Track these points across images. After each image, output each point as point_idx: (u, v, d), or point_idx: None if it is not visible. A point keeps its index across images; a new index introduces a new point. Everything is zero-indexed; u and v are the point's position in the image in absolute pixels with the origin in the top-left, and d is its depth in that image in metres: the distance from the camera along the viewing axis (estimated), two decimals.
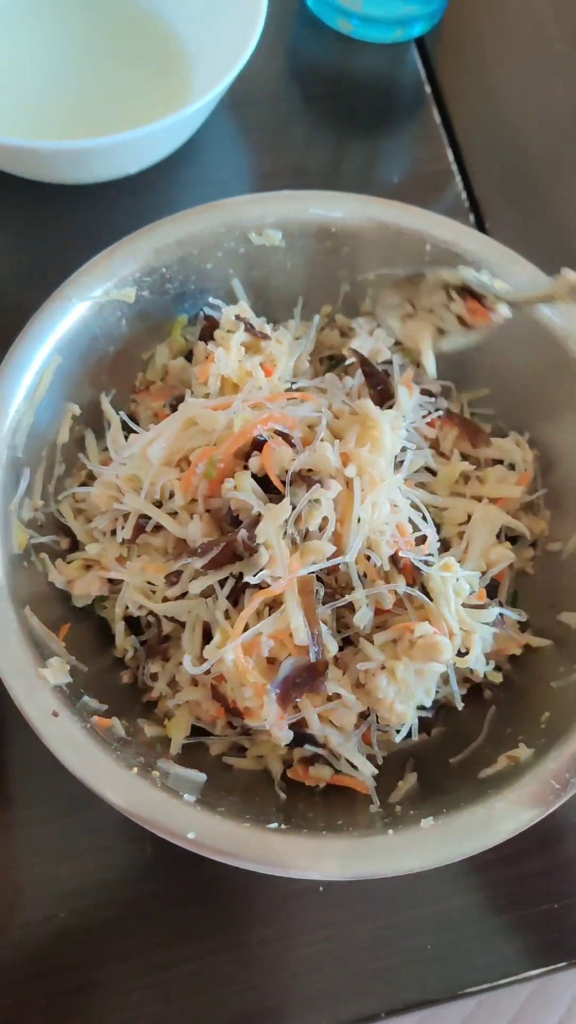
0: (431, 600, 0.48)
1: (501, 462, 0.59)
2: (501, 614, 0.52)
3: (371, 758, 0.50)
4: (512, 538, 0.58)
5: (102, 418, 0.58)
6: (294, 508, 0.46)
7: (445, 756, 0.52)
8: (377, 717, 0.49)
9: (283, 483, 0.47)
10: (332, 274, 0.61)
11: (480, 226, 0.77)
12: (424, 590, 0.48)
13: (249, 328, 0.57)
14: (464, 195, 0.79)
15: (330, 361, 0.61)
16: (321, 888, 0.55)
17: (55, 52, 0.76)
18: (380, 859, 0.42)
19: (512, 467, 0.59)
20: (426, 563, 0.48)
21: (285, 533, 0.46)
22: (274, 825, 0.44)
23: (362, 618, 0.48)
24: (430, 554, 0.49)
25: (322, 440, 0.48)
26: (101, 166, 0.68)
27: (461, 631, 0.48)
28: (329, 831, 0.44)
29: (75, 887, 0.54)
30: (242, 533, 0.45)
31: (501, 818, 0.43)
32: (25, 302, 0.56)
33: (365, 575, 0.48)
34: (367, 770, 0.49)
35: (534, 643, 0.54)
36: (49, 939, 0.53)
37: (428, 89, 0.83)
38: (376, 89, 0.83)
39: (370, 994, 0.53)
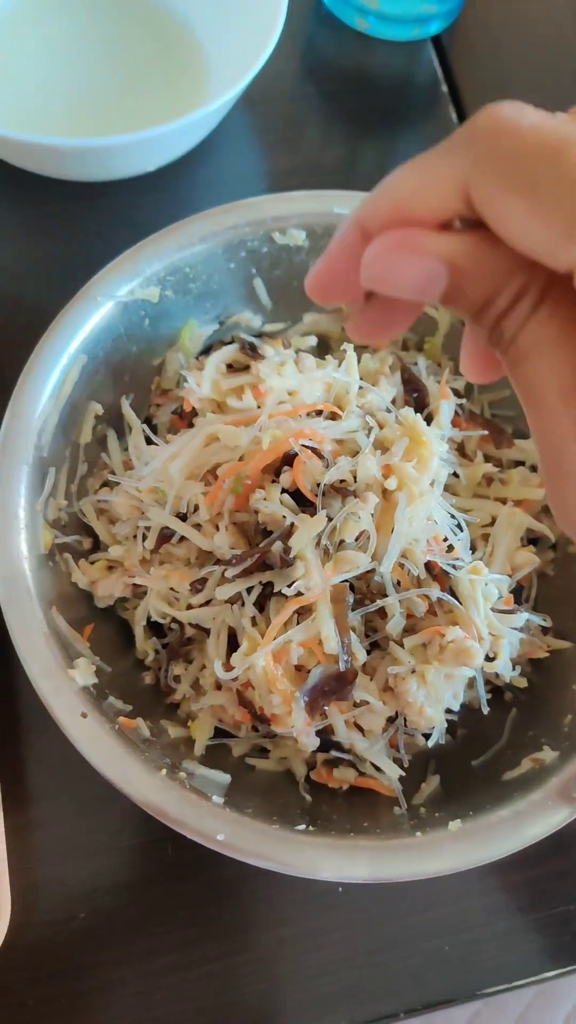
0: (460, 604, 0.48)
1: (523, 463, 0.59)
2: (528, 619, 0.52)
3: (397, 761, 0.50)
4: (531, 540, 0.58)
5: (123, 418, 0.58)
6: (329, 520, 0.46)
7: (466, 758, 0.52)
8: (405, 720, 0.49)
9: (315, 494, 0.47)
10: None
11: None
12: (453, 594, 0.48)
13: (245, 348, 0.57)
14: None
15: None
16: (340, 888, 0.55)
17: (73, 51, 0.75)
18: (410, 862, 0.42)
19: (534, 469, 0.59)
20: (454, 567, 0.48)
21: (319, 543, 0.46)
22: (302, 827, 0.44)
23: (396, 626, 0.48)
24: (459, 559, 0.49)
25: (367, 453, 0.48)
26: (120, 164, 0.68)
27: (490, 636, 0.48)
28: (356, 833, 0.44)
29: (95, 887, 0.54)
30: (277, 545, 0.45)
31: (529, 820, 0.43)
32: (45, 299, 0.55)
33: (399, 582, 0.48)
34: (393, 773, 0.49)
35: (555, 645, 0.54)
36: (69, 939, 0.53)
37: (445, 88, 0.83)
38: (392, 87, 0.83)
39: (389, 995, 0.54)
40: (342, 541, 0.46)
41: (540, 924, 0.56)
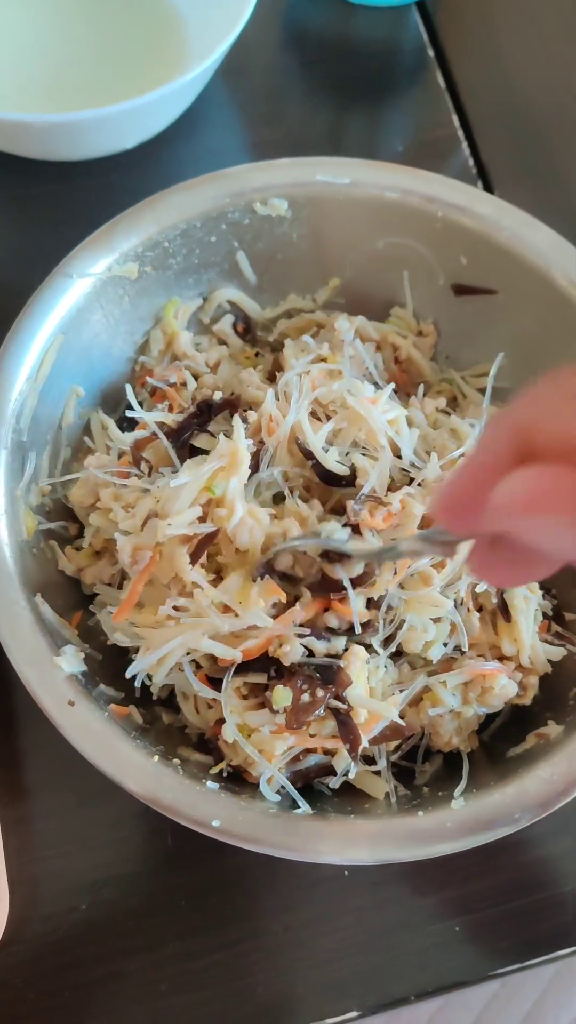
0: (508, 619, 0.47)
1: None
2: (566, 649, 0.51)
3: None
4: None
5: (109, 400, 0.56)
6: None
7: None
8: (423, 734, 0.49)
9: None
10: (340, 245, 0.59)
11: (489, 192, 0.75)
12: (503, 607, 0.48)
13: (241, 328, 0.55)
14: (471, 161, 0.77)
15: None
16: (346, 872, 0.54)
17: (46, 24, 0.74)
18: (411, 843, 0.41)
19: None
20: None
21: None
22: (300, 810, 0.43)
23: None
24: None
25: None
26: (97, 140, 0.66)
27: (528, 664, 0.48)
28: (357, 814, 0.43)
29: (96, 879, 0.53)
30: (331, 701, 0.43)
31: (534, 796, 0.42)
32: (24, 283, 0.54)
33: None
34: (379, 792, 0.47)
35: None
36: (71, 931, 0.52)
37: (431, 52, 0.81)
38: (377, 54, 0.81)
39: (398, 978, 0.53)
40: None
41: (551, 903, 0.55)
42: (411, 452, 0.50)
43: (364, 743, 0.45)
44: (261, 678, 0.44)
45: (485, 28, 0.83)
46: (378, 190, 0.56)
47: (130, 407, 0.54)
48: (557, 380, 0.22)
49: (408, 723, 0.48)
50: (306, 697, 0.42)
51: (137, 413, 0.50)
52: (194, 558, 0.44)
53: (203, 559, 0.45)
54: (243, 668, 0.44)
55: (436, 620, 0.47)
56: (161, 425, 0.49)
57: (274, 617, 0.44)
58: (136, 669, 0.45)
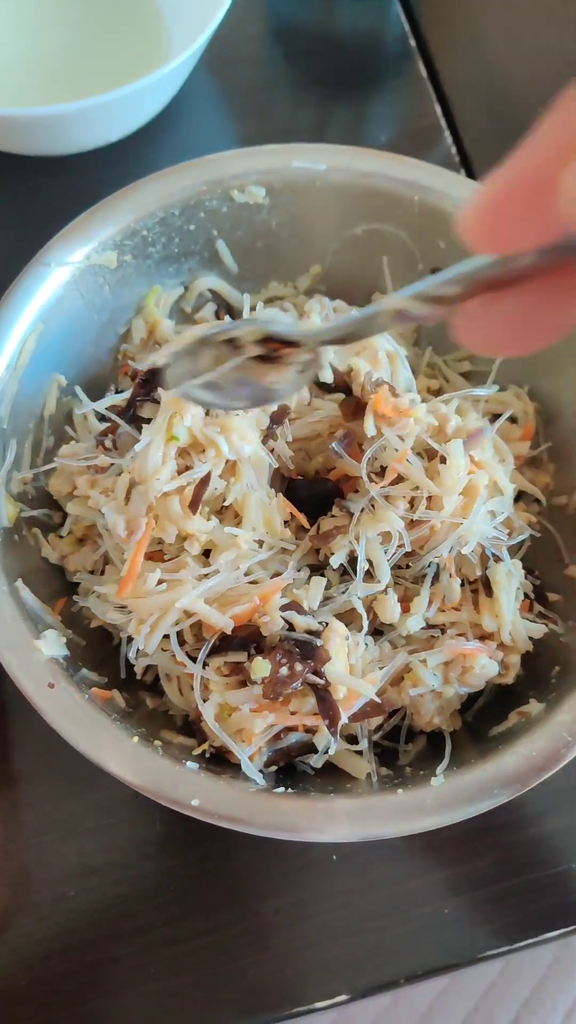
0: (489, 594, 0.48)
1: (498, 416, 0.57)
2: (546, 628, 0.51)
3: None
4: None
5: (93, 390, 0.56)
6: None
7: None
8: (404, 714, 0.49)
9: None
10: (320, 232, 0.59)
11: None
12: (486, 582, 0.48)
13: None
14: (454, 150, 0.77)
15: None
16: (335, 856, 0.54)
17: (26, 18, 0.74)
18: (391, 819, 0.41)
19: (514, 420, 0.57)
20: (497, 557, 0.48)
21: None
22: (281, 789, 0.43)
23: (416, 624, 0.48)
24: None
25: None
26: (80, 133, 0.66)
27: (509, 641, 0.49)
28: (338, 793, 0.43)
29: (85, 865, 0.53)
30: (309, 676, 0.43)
31: (513, 772, 0.42)
32: (8, 277, 0.54)
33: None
34: (361, 773, 0.47)
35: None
36: (61, 918, 0.52)
37: (413, 42, 0.81)
38: (359, 45, 0.81)
39: (389, 961, 0.53)
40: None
41: (542, 884, 0.55)
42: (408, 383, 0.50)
43: (344, 719, 0.45)
44: (241, 656, 0.44)
45: (466, 18, 0.83)
46: (355, 176, 0.56)
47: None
48: None
49: (388, 700, 0.48)
50: (284, 671, 0.42)
51: (89, 406, 0.50)
52: (193, 507, 0.44)
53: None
54: (223, 648, 0.44)
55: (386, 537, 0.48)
56: (113, 408, 0.50)
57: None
58: (134, 649, 0.46)
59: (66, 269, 0.52)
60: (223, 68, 0.78)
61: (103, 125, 0.67)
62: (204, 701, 0.44)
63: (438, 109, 0.78)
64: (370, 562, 0.47)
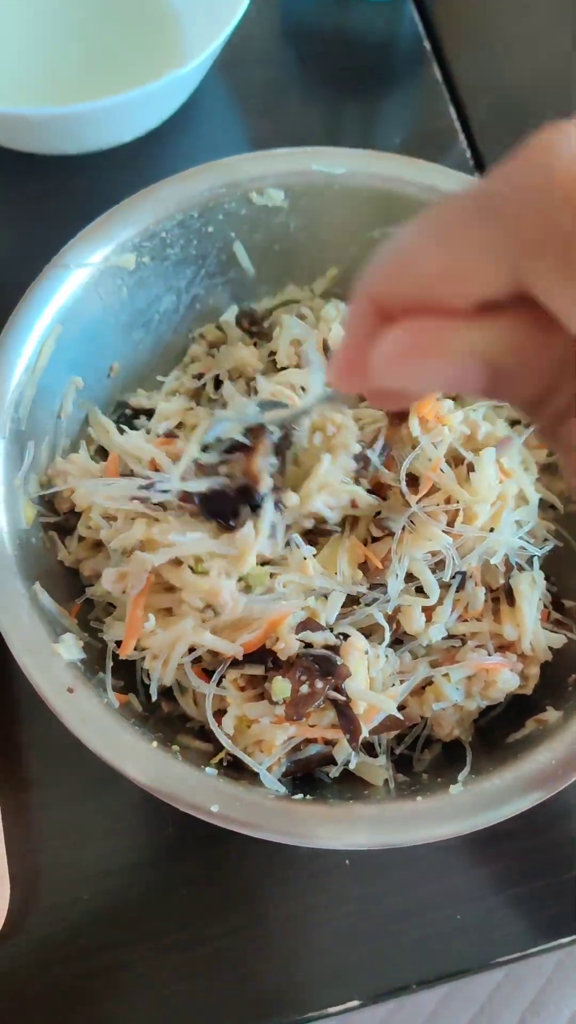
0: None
1: (517, 422, 0.57)
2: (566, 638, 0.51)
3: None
4: None
5: (109, 392, 0.56)
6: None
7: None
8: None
9: None
10: (337, 235, 0.59)
11: None
12: (508, 591, 0.48)
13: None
14: (468, 153, 0.77)
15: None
16: (347, 861, 0.54)
17: (41, 18, 0.74)
18: (410, 827, 0.41)
19: (529, 426, 0.57)
20: (520, 567, 0.48)
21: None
22: (299, 796, 0.43)
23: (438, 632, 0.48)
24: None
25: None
26: (94, 133, 0.66)
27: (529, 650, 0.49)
28: (355, 799, 0.43)
29: (98, 869, 0.53)
30: (330, 692, 0.44)
31: (532, 781, 0.42)
32: (23, 279, 0.54)
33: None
34: (379, 780, 0.47)
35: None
36: (73, 921, 0.52)
37: (427, 45, 0.81)
38: (373, 47, 0.81)
39: (399, 967, 0.53)
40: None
41: (554, 890, 0.55)
42: None
43: (365, 733, 0.45)
44: (259, 670, 0.44)
45: (481, 19, 0.83)
46: (374, 179, 0.56)
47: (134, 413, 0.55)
48: (386, 251, 0.24)
49: (409, 715, 0.48)
50: (305, 688, 0.42)
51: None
52: None
53: None
54: (239, 662, 0.44)
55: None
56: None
57: None
58: (154, 683, 0.46)
59: (84, 271, 0.52)
60: (236, 69, 0.78)
61: (117, 126, 0.67)
62: (220, 714, 0.44)
63: (452, 111, 0.78)
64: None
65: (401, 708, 0.47)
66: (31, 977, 0.51)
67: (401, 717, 0.46)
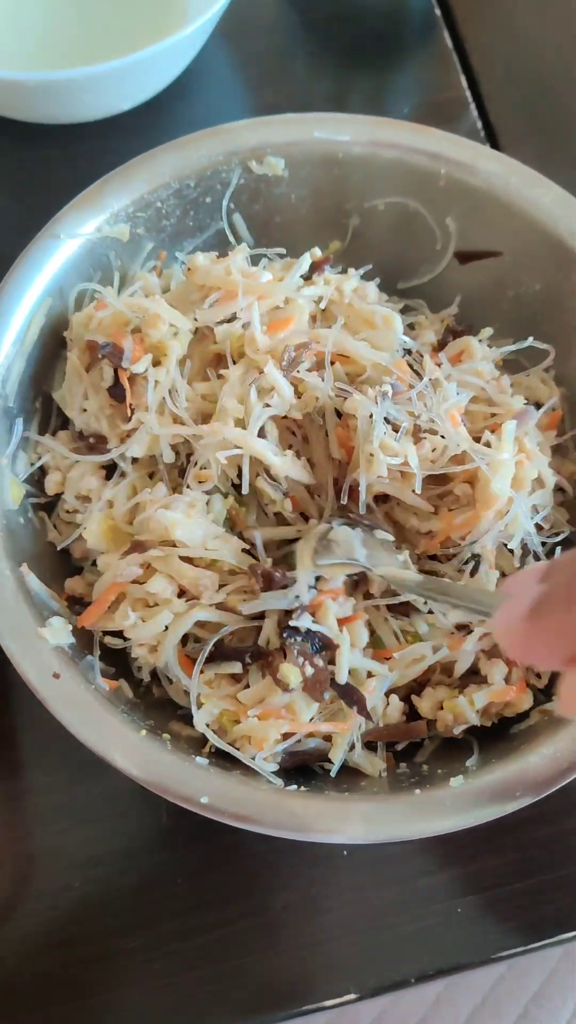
0: None
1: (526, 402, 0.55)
2: None
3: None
4: None
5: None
6: None
7: None
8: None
9: None
10: (340, 206, 0.57)
11: None
12: None
13: None
14: (480, 124, 0.74)
15: None
16: (346, 852, 0.53)
17: None
18: (408, 821, 0.39)
19: (538, 406, 0.55)
20: (537, 555, 0.47)
21: None
22: (294, 787, 0.41)
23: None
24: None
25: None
26: (93, 100, 0.64)
27: None
28: (352, 791, 0.41)
29: (90, 856, 0.52)
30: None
31: (537, 774, 0.40)
32: (17, 249, 0.52)
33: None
34: (375, 770, 0.46)
35: None
36: (65, 909, 0.51)
37: (438, 11, 0.78)
38: (382, 13, 0.78)
39: (399, 960, 0.51)
40: None
41: (557, 884, 0.53)
42: None
43: (372, 703, 0.44)
44: (234, 667, 0.43)
45: None
46: (379, 147, 0.54)
47: None
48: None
49: (417, 729, 0.47)
50: (309, 669, 0.41)
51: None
52: None
53: None
54: (217, 657, 0.43)
55: None
56: None
57: None
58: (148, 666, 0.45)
59: (76, 241, 0.50)
60: (239, 36, 0.75)
61: (115, 93, 0.65)
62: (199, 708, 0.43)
63: (463, 80, 0.76)
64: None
65: (411, 719, 0.46)
66: (20, 965, 0.50)
67: (407, 724, 0.45)
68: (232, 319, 0.47)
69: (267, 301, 0.47)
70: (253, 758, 0.42)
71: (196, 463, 0.45)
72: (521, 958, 0.79)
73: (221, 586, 0.44)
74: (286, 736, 0.43)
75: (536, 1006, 0.79)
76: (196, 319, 0.47)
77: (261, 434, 0.45)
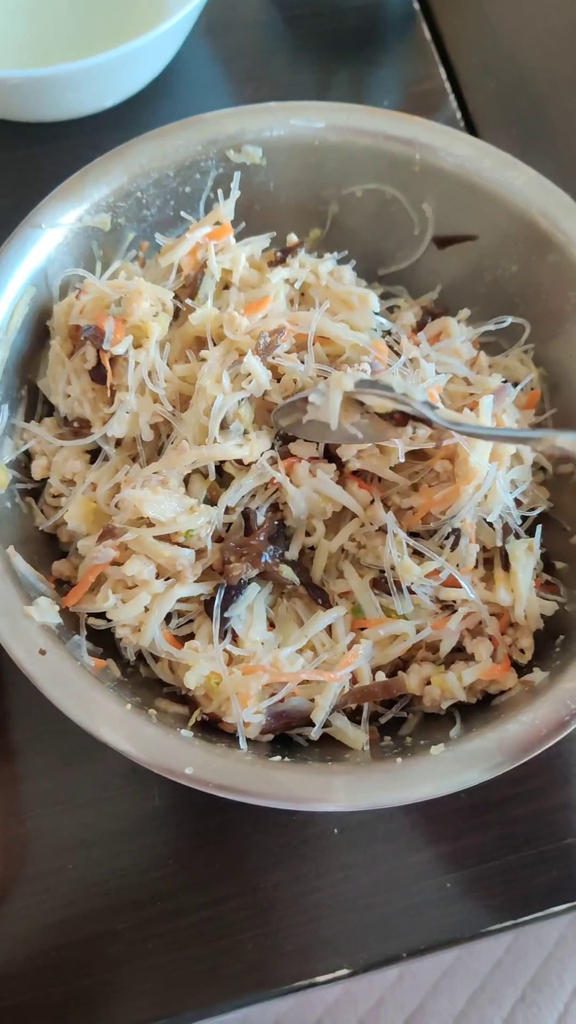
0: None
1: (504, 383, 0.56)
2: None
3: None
4: None
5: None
6: None
7: None
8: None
9: None
10: (318, 193, 0.58)
11: None
12: (504, 555, 0.47)
13: None
14: (459, 114, 0.75)
15: None
16: (336, 830, 0.53)
17: None
18: (389, 787, 0.40)
19: (516, 384, 0.56)
20: (517, 534, 0.47)
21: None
22: (277, 758, 0.42)
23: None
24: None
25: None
26: (76, 98, 0.65)
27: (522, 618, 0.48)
28: (335, 762, 0.42)
29: (83, 838, 0.52)
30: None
31: (515, 741, 0.41)
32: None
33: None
34: (358, 743, 0.47)
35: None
36: (59, 890, 0.52)
37: (416, 4, 0.79)
38: (362, 7, 0.79)
39: (390, 936, 0.52)
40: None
41: (545, 858, 0.54)
42: None
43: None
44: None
45: None
46: (355, 134, 0.55)
47: None
48: None
49: (397, 684, 0.47)
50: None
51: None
52: None
53: None
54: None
55: None
56: None
57: None
58: (132, 646, 0.46)
59: (58, 231, 0.51)
60: (221, 32, 0.76)
61: (98, 89, 0.66)
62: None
63: (442, 72, 0.76)
64: None
65: (391, 675, 0.47)
66: (15, 947, 0.50)
67: (386, 681, 0.45)
68: (200, 273, 0.48)
69: (227, 255, 0.49)
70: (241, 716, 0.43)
71: (173, 442, 0.46)
72: (519, 942, 0.80)
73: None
74: (270, 692, 0.43)
75: (534, 990, 0.79)
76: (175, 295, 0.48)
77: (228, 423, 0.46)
